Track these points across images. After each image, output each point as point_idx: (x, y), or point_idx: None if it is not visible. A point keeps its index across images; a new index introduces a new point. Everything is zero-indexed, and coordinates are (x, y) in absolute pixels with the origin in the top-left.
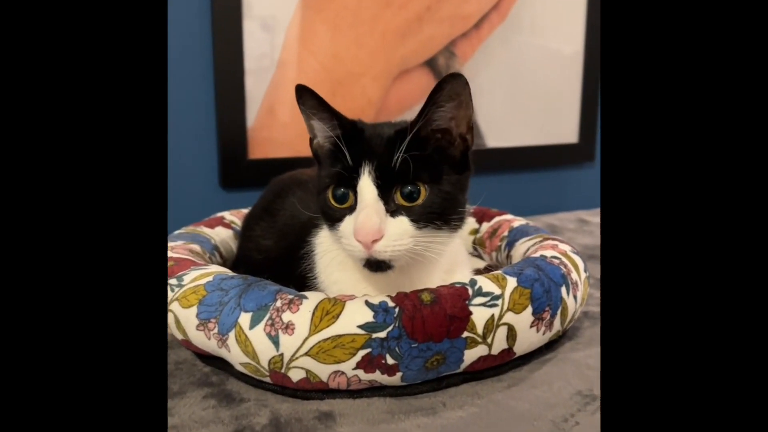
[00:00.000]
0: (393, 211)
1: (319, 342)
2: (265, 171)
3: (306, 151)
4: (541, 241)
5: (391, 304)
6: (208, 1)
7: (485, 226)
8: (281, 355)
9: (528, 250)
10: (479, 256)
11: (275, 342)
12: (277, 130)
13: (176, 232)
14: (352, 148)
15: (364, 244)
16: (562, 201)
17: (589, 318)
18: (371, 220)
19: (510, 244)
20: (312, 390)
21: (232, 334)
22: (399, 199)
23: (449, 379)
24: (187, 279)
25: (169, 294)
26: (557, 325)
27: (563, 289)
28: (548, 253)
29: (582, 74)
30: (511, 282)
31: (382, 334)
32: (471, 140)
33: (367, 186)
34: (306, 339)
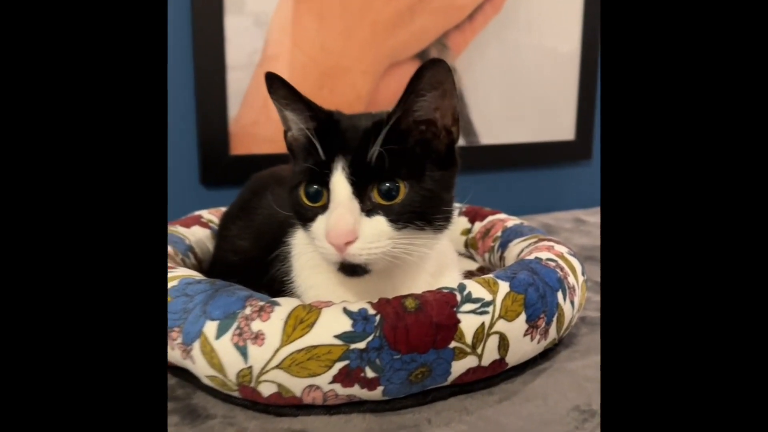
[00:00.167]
0: (369, 210)
1: (291, 353)
2: (248, 167)
3: None
4: (536, 242)
5: (371, 311)
6: None
7: (478, 226)
8: (250, 367)
9: (522, 251)
10: (471, 257)
11: (243, 353)
12: (261, 125)
13: None
14: (325, 142)
15: (337, 246)
16: (558, 200)
17: (587, 324)
18: (344, 220)
19: (503, 245)
20: (284, 406)
21: (196, 345)
22: (376, 197)
23: (435, 393)
24: None
25: None
26: (553, 333)
27: (559, 294)
28: (543, 255)
29: (579, 69)
30: (503, 287)
31: (362, 345)
32: (456, 133)
33: (340, 183)
34: (277, 350)
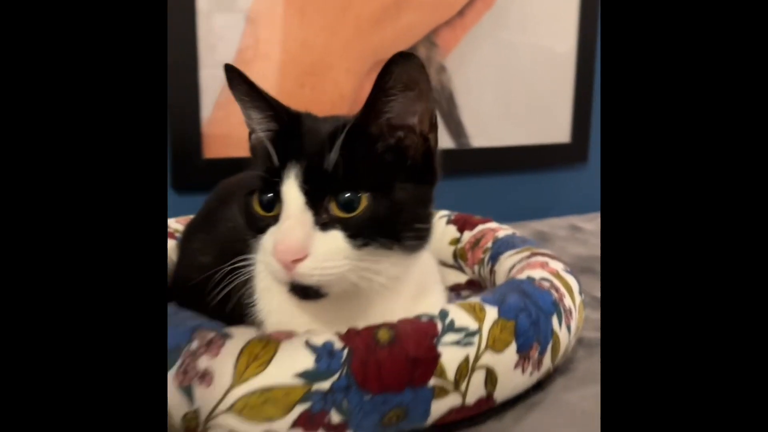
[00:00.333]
0: (324, 223)
1: (244, 395)
2: (222, 171)
3: None
4: (528, 257)
5: (338, 344)
6: None
7: (467, 236)
8: (196, 411)
9: (513, 267)
10: (460, 269)
11: (189, 395)
12: (237, 126)
13: None
14: (281, 146)
15: (284, 264)
16: (552, 205)
17: (585, 346)
18: (292, 234)
19: (494, 258)
20: None
21: None
22: (334, 209)
23: None
24: None
25: None
26: (547, 363)
27: (554, 319)
28: (536, 273)
29: (575, 67)
30: (491, 313)
31: (326, 385)
32: (434, 141)
33: (291, 192)
34: (228, 391)
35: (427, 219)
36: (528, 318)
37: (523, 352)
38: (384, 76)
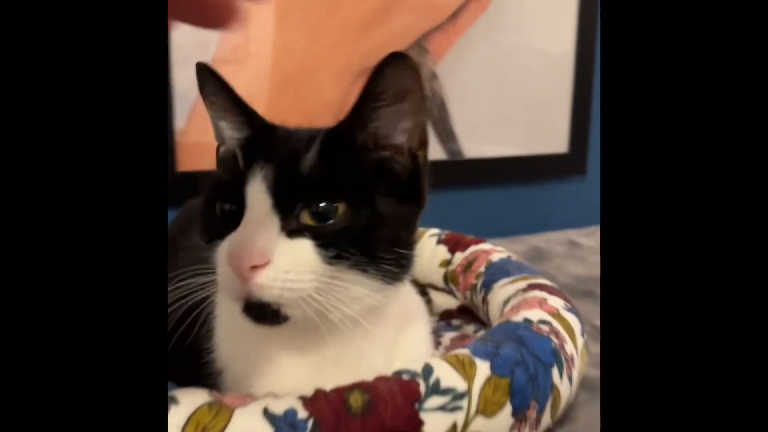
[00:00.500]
0: (292, 230)
1: None
2: (193, 187)
3: None
4: (524, 290)
5: (302, 413)
6: None
7: (458, 257)
8: None
9: (508, 301)
10: (451, 293)
11: None
12: (207, 137)
13: None
14: (249, 150)
15: (238, 270)
16: (549, 219)
17: (587, 389)
18: (253, 236)
19: (487, 285)
20: None
21: None
22: (306, 217)
23: None
24: None
25: None
26: (546, 421)
27: (555, 372)
28: (534, 315)
29: (573, 75)
30: (482, 369)
31: None
32: (423, 159)
33: (257, 193)
34: None
35: (408, 245)
36: (525, 373)
37: (519, 414)
38: (375, 79)
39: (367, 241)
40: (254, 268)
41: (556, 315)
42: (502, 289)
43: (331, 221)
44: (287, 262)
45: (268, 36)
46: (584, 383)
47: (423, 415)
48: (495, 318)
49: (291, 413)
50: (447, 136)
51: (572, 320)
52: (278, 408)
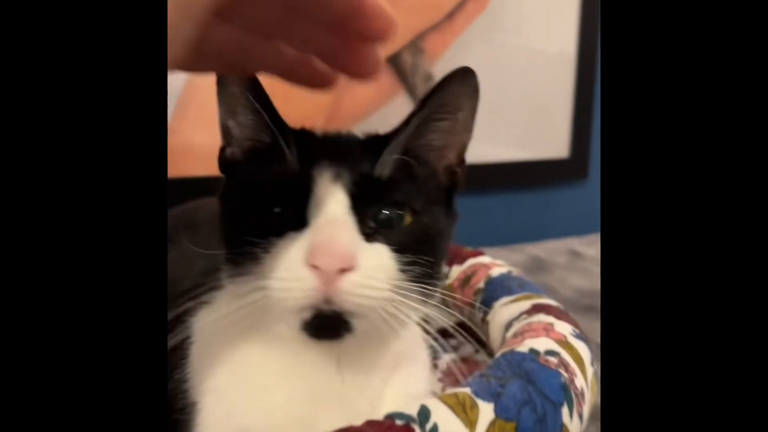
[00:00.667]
0: (368, 234)
1: None
2: (179, 195)
3: None
4: (528, 314)
5: None
6: None
7: (456, 271)
8: None
9: (511, 325)
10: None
11: None
12: (199, 139)
13: None
14: (298, 148)
15: (326, 273)
16: (549, 226)
17: (596, 420)
18: (340, 237)
19: (487, 303)
20: None
21: None
22: (376, 222)
23: None
24: None
25: None
26: None
27: (564, 411)
28: (540, 344)
29: (574, 77)
30: (486, 411)
31: None
32: (461, 176)
33: (331, 194)
34: None
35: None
36: (532, 414)
37: None
38: (439, 91)
39: (428, 251)
40: (341, 272)
41: (564, 343)
42: (504, 309)
43: (397, 227)
44: (371, 267)
45: None
46: (594, 414)
47: None
48: (496, 340)
49: None
50: None
51: (581, 348)
52: None
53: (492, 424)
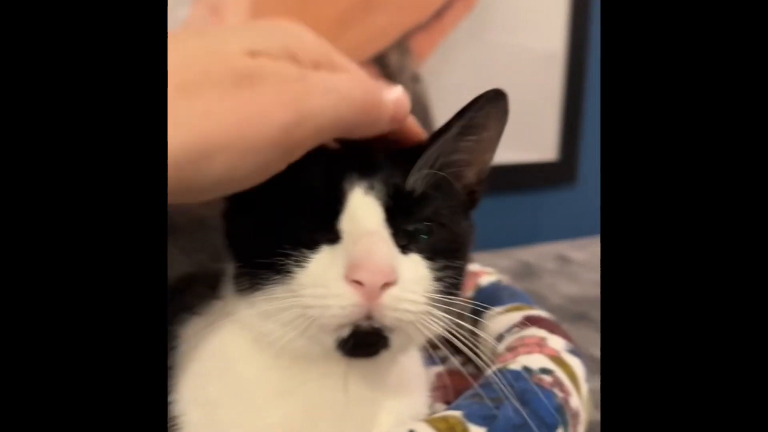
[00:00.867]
0: (404, 245)
1: None
2: None
3: None
4: (520, 327)
5: None
6: None
7: None
8: None
9: (502, 338)
10: None
11: None
12: None
13: None
14: (323, 158)
15: (370, 289)
16: (538, 230)
17: None
18: (381, 251)
19: (476, 313)
20: None
21: None
22: (408, 235)
23: None
24: None
25: None
26: None
27: None
28: (534, 362)
29: (563, 77)
30: None
31: None
32: (478, 196)
33: (366, 206)
34: None
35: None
36: None
37: None
38: (472, 111)
39: (456, 261)
40: (384, 286)
41: (558, 360)
42: (494, 320)
43: (426, 240)
44: (411, 280)
45: None
46: (589, 429)
47: None
48: (485, 353)
49: None
50: None
51: (575, 365)
52: None
53: None
